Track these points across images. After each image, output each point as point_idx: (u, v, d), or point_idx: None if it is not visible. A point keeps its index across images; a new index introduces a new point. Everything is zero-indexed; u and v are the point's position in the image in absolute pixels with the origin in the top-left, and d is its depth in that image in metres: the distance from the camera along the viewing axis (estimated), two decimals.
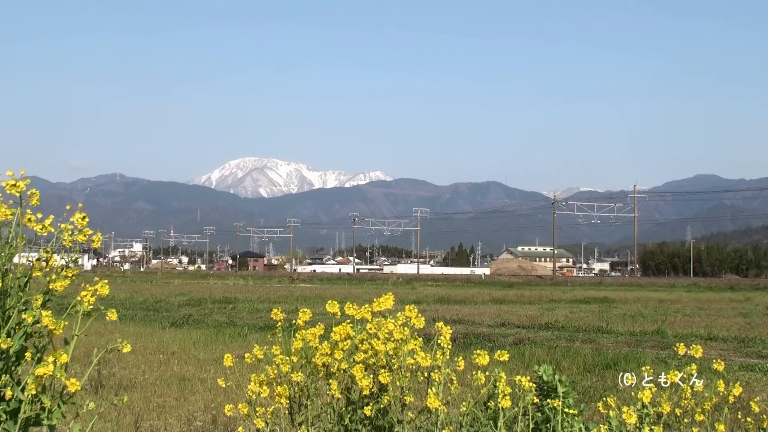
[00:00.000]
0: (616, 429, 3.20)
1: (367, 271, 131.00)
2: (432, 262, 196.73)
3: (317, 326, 3.24)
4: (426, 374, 3.10)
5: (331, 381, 3.13)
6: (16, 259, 2.60)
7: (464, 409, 3.10)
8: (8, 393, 2.48)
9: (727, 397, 3.28)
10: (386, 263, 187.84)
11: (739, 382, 3.41)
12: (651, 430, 3.14)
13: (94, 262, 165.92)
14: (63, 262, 2.66)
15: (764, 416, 3.37)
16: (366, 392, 3.07)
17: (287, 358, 3.19)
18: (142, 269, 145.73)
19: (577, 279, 75.48)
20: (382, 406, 3.06)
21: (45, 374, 2.47)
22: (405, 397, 3.04)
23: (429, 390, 3.04)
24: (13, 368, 2.53)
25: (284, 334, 3.29)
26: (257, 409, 3.18)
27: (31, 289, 2.58)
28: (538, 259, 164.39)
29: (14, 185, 2.56)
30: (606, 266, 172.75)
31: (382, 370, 3.03)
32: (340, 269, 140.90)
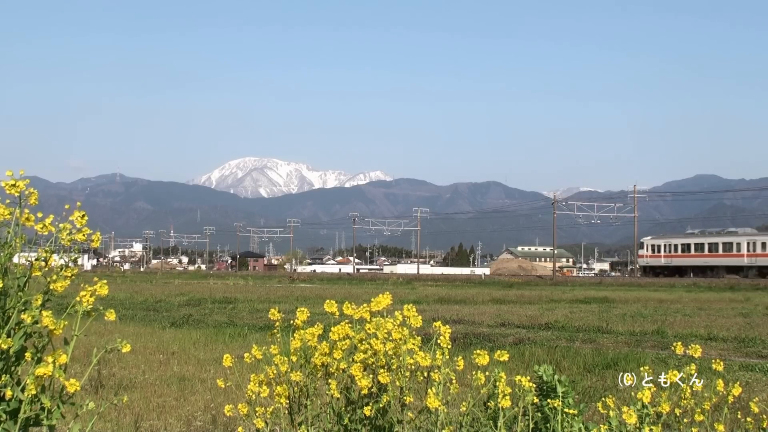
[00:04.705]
0: (616, 429, 3.20)
1: (367, 271, 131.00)
2: (432, 262, 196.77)
3: (316, 326, 3.24)
4: (425, 374, 3.10)
5: (330, 381, 3.13)
6: (15, 259, 2.60)
7: (464, 409, 3.10)
8: (8, 393, 2.48)
9: (726, 397, 3.28)
10: (386, 263, 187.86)
11: (738, 382, 3.40)
12: (651, 430, 3.14)
13: (94, 262, 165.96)
14: (62, 261, 2.66)
15: (764, 416, 3.37)
16: (365, 392, 3.07)
17: (285, 358, 3.19)
18: (142, 269, 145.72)
19: (577, 279, 75.31)
20: (381, 405, 3.06)
21: (45, 374, 2.47)
22: (404, 397, 3.04)
23: (429, 390, 3.04)
24: (13, 368, 2.53)
25: (283, 334, 3.29)
26: (257, 409, 3.18)
27: (31, 289, 2.58)
28: (538, 259, 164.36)
29: (13, 185, 2.56)
30: (606, 266, 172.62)
31: (382, 370, 3.03)
32: (340, 269, 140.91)
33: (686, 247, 74.73)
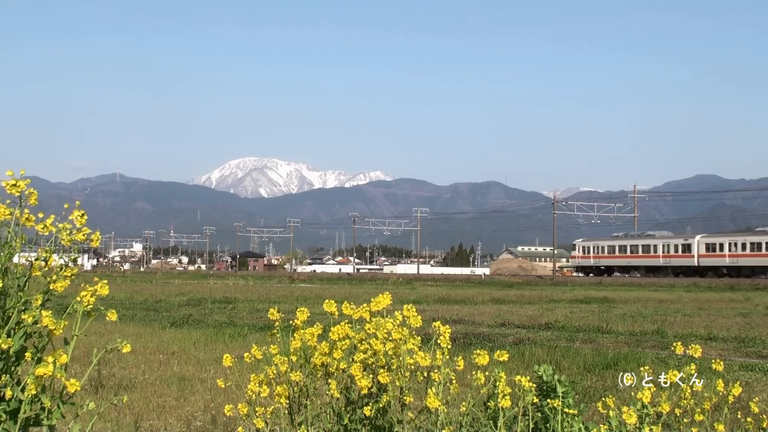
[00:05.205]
0: (616, 429, 3.20)
1: (367, 271, 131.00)
2: (432, 262, 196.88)
3: (315, 326, 3.24)
4: (425, 374, 3.10)
5: (330, 381, 3.13)
6: (15, 259, 2.60)
7: (464, 409, 3.10)
8: (8, 393, 2.48)
9: (726, 397, 3.28)
10: (386, 263, 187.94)
11: (738, 382, 3.40)
12: (651, 430, 3.14)
13: (94, 262, 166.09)
14: (62, 261, 2.66)
15: (764, 416, 3.37)
16: (365, 392, 3.07)
17: (285, 358, 3.19)
18: (142, 269, 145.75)
19: (577, 279, 75.36)
20: (381, 405, 3.06)
21: (45, 374, 2.47)
22: (404, 397, 3.04)
23: (428, 390, 3.04)
24: (13, 368, 2.53)
25: (283, 334, 3.28)
26: (257, 409, 3.18)
27: (31, 288, 2.58)
28: (538, 259, 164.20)
29: (14, 185, 2.56)
30: None
31: (381, 370, 3.03)
32: (340, 269, 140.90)
33: (612, 249, 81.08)
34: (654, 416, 3.18)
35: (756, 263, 66.53)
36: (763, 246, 66.52)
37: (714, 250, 70.13)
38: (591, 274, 79.88)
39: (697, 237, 72.98)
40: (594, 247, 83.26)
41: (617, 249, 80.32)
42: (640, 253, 77.38)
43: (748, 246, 67.60)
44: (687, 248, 72.27)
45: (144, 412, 7.00)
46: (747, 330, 16.31)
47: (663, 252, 74.69)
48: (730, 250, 68.76)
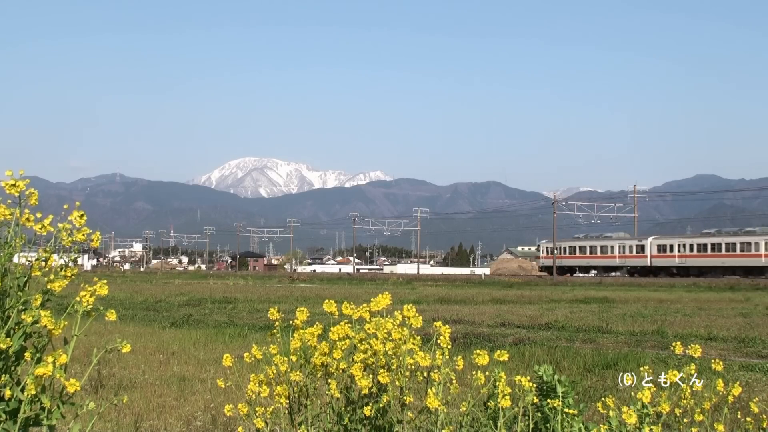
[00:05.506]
0: (616, 429, 3.20)
1: (367, 271, 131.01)
2: (432, 262, 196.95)
3: (315, 326, 3.24)
4: (425, 374, 3.10)
5: (330, 381, 3.13)
6: (15, 259, 2.60)
7: (464, 409, 3.10)
8: (8, 393, 2.48)
9: (726, 397, 3.28)
10: (386, 263, 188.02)
11: (738, 382, 3.40)
12: (651, 430, 3.14)
13: (94, 262, 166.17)
14: (62, 261, 2.66)
15: (764, 416, 3.37)
16: (365, 392, 3.07)
17: (285, 358, 3.18)
18: (142, 269, 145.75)
19: (577, 279, 75.51)
20: (381, 405, 3.06)
21: (44, 374, 2.47)
22: (404, 397, 3.04)
23: (428, 390, 3.04)
24: (12, 368, 2.53)
25: (283, 334, 3.28)
26: (257, 409, 3.18)
27: (31, 288, 2.58)
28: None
29: (13, 185, 2.56)
30: None
31: (381, 370, 3.03)
32: (340, 269, 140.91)
33: (573, 250, 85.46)
34: (654, 416, 3.18)
35: (702, 263, 69.93)
36: (708, 247, 69.92)
37: (665, 251, 73.68)
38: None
39: (650, 238, 76.59)
40: (557, 248, 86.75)
41: (578, 249, 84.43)
42: (599, 253, 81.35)
43: (695, 247, 71.08)
44: (641, 249, 75.92)
45: (144, 412, 7.00)
46: (747, 330, 16.31)
47: (619, 253, 78.62)
48: (679, 251, 72.19)
